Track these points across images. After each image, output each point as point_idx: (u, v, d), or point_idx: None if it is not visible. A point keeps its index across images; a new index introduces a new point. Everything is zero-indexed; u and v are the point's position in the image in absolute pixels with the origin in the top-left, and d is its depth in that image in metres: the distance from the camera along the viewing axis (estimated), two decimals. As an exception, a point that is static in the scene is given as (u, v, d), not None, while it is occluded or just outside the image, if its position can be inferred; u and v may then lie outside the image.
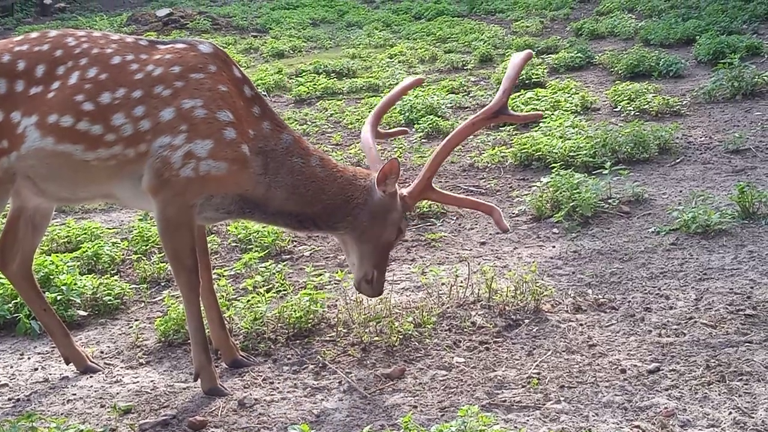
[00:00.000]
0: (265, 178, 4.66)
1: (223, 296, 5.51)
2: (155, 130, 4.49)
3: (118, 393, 4.87)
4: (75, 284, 5.80)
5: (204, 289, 4.97)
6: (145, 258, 6.63)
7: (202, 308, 4.95)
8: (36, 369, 5.23)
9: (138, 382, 4.98)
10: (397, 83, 12.39)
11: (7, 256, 5.00)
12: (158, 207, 4.58)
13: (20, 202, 4.89)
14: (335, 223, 4.86)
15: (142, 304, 6.05)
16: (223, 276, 6.03)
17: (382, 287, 5.02)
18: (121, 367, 5.19)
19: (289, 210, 4.76)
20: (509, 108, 5.01)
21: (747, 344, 4.80)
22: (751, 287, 5.50)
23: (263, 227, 6.86)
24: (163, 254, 6.65)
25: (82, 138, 4.52)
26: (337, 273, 5.82)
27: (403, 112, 10.68)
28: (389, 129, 5.75)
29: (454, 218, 7.36)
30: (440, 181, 7.97)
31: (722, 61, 11.12)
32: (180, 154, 4.48)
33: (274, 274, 6.07)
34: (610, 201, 7.16)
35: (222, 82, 4.62)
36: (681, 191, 7.46)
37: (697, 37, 13.74)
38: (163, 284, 6.36)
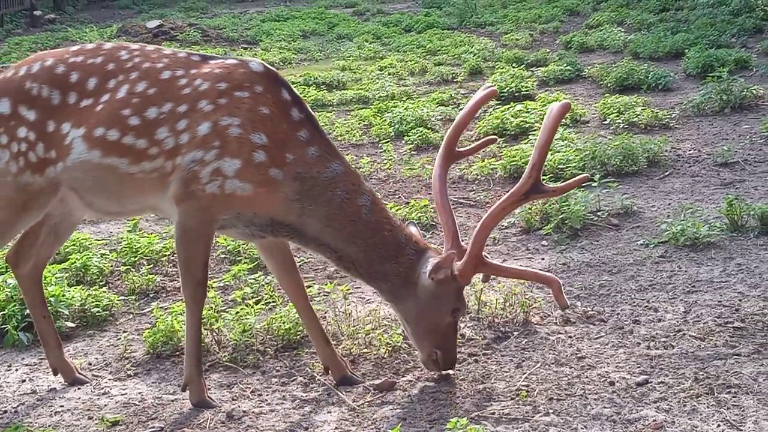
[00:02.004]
0: (298, 204, 4.55)
1: (212, 308, 5.49)
2: (191, 143, 4.47)
3: (106, 405, 4.85)
4: (63, 295, 5.78)
5: (302, 308, 4.98)
6: (133, 269, 6.60)
7: (302, 326, 5.09)
8: (24, 380, 5.21)
9: (126, 394, 4.97)
10: (386, 95, 12.53)
11: (22, 258, 5.00)
12: (180, 216, 4.55)
13: (65, 209, 4.87)
14: (373, 278, 4.71)
15: (131, 316, 6.03)
16: (212, 287, 6.02)
17: (454, 362, 4.82)
18: (109, 379, 5.18)
19: (326, 242, 4.63)
20: (542, 184, 4.61)
21: (735, 357, 4.81)
22: (740, 300, 5.51)
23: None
24: (152, 266, 6.66)
25: (128, 152, 4.52)
26: (326, 285, 5.81)
27: (393, 124, 10.68)
28: (462, 148, 5.25)
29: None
30: (429, 194, 7.95)
31: (711, 74, 11.16)
32: (209, 170, 4.45)
33: (263, 285, 6.06)
34: (599, 213, 7.17)
35: (265, 103, 4.54)
36: (670, 204, 7.48)
37: (686, 50, 13.77)
38: (151, 296, 6.34)
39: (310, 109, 4.71)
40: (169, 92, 4.56)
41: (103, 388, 5.05)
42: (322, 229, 4.60)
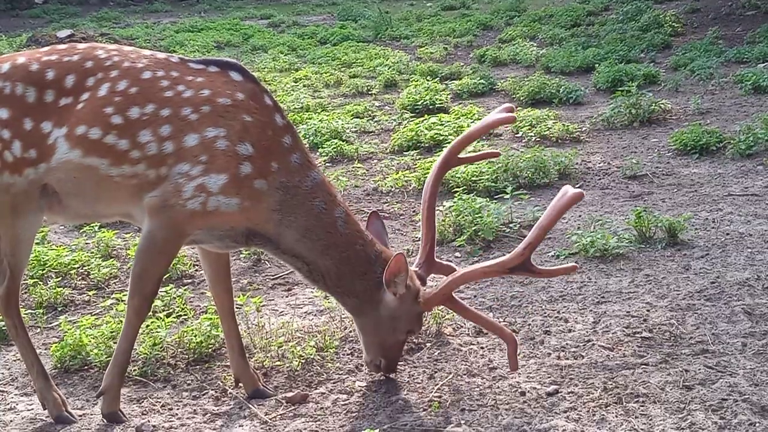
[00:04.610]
0: (278, 214, 4.50)
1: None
2: (178, 154, 4.37)
3: (12, 421, 4.75)
4: (-33, 310, 5.63)
5: (225, 316, 4.90)
6: (41, 282, 6.47)
7: (222, 335, 5.01)
8: (-75, 397, 5.08)
9: (33, 409, 4.86)
10: (301, 107, 12.48)
11: None
12: (150, 227, 4.42)
13: None
14: (340, 293, 4.71)
15: (38, 330, 5.91)
16: (122, 301, 5.91)
17: (394, 370, 4.94)
18: (16, 394, 5.07)
19: (299, 253, 4.59)
20: (531, 263, 4.62)
21: (643, 366, 4.89)
22: (648, 310, 5.60)
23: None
24: (60, 278, 6.53)
25: (109, 152, 4.39)
26: (238, 297, 5.76)
27: (307, 136, 10.64)
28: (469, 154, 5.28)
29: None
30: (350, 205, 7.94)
31: (620, 88, 11.35)
32: (193, 185, 4.35)
33: (174, 298, 6.00)
34: (511, 225, 7.23)
35: (248, 111, 4.47)
36: (580, 216, 7.58)
37: (597, 65, 14.05)
38: (59, 309, 6.22)
39: (286, 116, 4.69)
40: (151, 93, 4.45)
41: (9, 404, 4.95)
42: (298, 239, 4.56)
